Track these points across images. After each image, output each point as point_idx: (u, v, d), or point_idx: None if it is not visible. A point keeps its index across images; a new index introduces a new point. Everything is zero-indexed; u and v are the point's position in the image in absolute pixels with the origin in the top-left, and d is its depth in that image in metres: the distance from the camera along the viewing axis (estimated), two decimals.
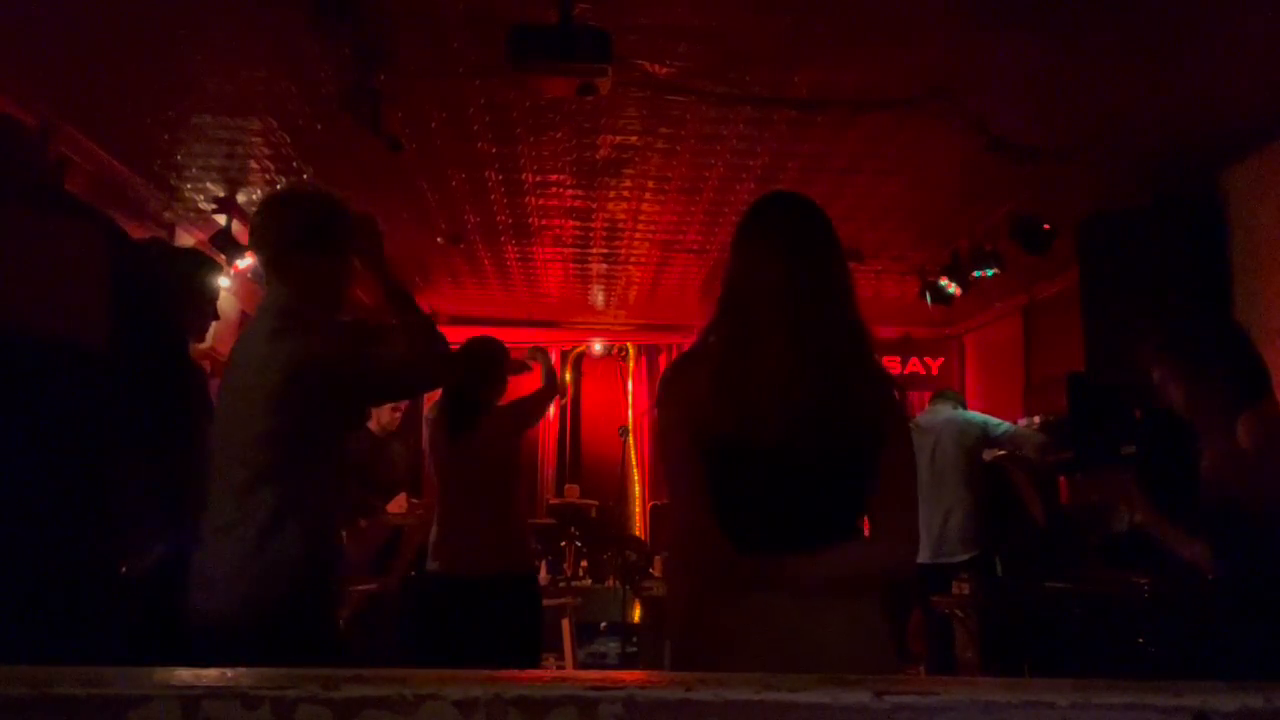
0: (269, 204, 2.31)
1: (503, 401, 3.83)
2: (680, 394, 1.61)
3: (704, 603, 1.57)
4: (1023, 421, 5.76)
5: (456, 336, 8.74)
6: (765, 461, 1.52)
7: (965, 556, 4.86)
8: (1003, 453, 5.30)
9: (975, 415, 5.38)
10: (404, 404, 6.62)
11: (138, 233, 4.86)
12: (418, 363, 2.16)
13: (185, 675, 0.62)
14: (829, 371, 1.53)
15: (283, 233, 2.17)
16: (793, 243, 1.62)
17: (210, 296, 2.95)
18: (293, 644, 1.99)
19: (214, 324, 2.98)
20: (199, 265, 2.99)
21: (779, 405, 1.50)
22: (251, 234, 2.29)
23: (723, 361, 1.57)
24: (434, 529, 3.68)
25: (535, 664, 3.88)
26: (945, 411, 5.26)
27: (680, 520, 1.62)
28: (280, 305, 2.14)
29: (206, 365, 5.36)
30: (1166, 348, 2.75)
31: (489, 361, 3.75)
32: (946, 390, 5.86)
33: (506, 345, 3.88)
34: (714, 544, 1.52)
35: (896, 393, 1.65)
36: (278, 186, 2.35)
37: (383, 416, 5.66)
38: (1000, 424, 5.30)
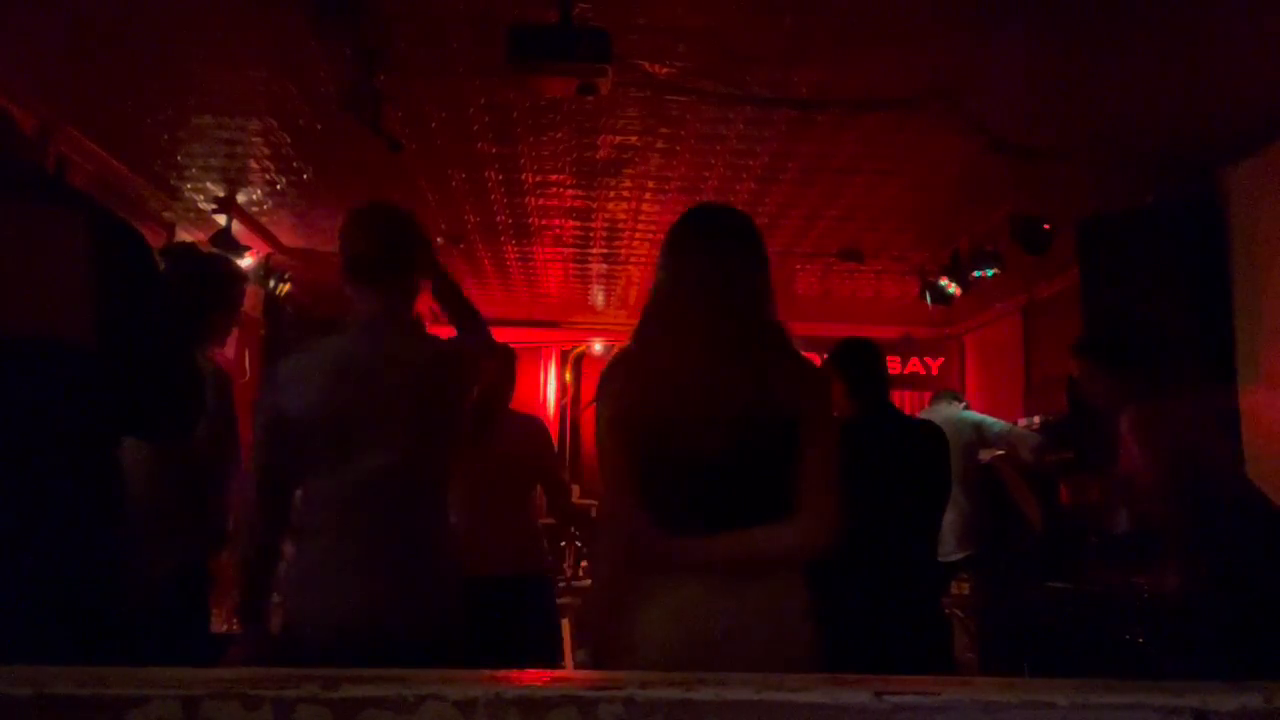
0: (371, 219, 2.31)
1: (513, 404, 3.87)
2: (610, 391, 1.75)
3: (624, 584, 1.70)
4: (1022, 422, 5.75)
5: None
6: (687, 453, 1.65)
7: (960, 555, 4.86)
8: (998, 453, 5.29)
9: (971, 414, 5.35)
10: None
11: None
12: (485, 352, 2.36)
13: (185, 675, 0.62)
14: (742, 366, 1.65)
15: (400, 243, 2.25)
16: (709, 250, 1.77)
17: (237, 303, 2.97)
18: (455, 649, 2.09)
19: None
20: (229, 271, 3.02)
21: (694, 400, 1.64)
22: (354, 243, 2.26)
23: (647, 360, 1.73)
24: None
25: (555, 663, 3.91)
26: (943, 411, 5.25)
27: (605, 507, 1.78)
28: (390, 312, 2.21)
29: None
30: (1084, 349, 3.02)
31: (499, 365, 3.78)
32: (947, 390, 5.85)
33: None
34: (634, 525, 1.66)
35: (817, 384, 1.75)
36: (363, 204, 2.31)
37: None
38: (996, 424, 5.29)
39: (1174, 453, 2.79)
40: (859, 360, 3.31)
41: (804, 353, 1.80)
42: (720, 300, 1.70)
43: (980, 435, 5.15)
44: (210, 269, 2.93)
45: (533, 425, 3.89)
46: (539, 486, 3.88)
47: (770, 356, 1.69)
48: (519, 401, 4.19)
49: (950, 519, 4.92)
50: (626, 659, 1.64)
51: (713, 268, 1.73)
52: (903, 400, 8.35)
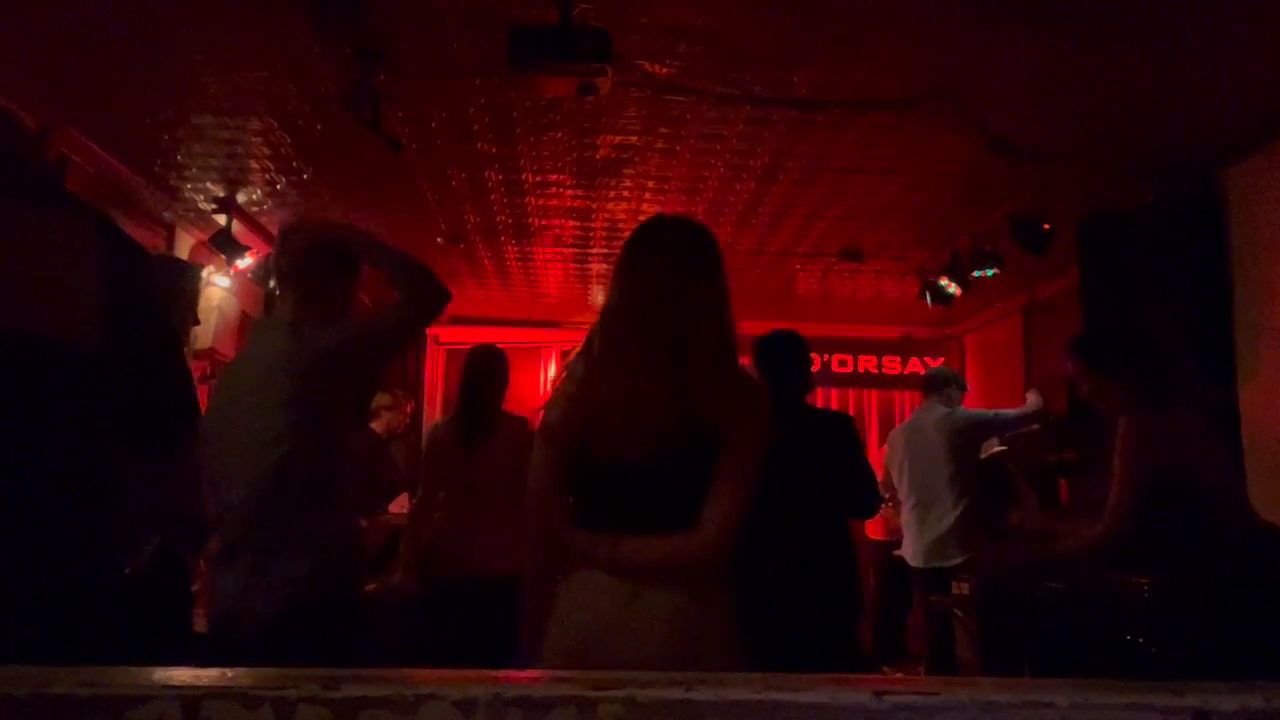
0: (283, 232, 2.50)
1: (506, 405, 3.87)
2: (552, 401, 1.84)
3: (543, 576, 1.82)
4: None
5: (457, 336, 8.63)
6: (607, 461, 1.71)
7: (961, 559, 4.84)
8: (1001, 449, 5.26)
9: (961, 412, 5.28)
10: (410, 405, 6.62)
11: (137, 233, 4.86)
12: (414, 301, 2.35)
13: (185, 675, 0.62)
14: (665, 381, 1.70)
15: (294, 256, 2.36)
16: (650, 265, 1.81)
17: (190, 301, 3.00)
18: (341, 642, 2.11)
19: (211, 325, 3.04)
20: (177, 271, 3.04)
21: (616, 412, 1.71)
22: (274, 260, 2.46)
23: (583, 372, 1.80)
24: (442, 533, 3.72)
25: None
26: (936, 411, 5.20)
27: (531, 505, 1.84)
28: (293, 313, 2.31)
29: (206, 366, 5.36)
30: (1076, 349, 3.01)
31: (493, 369, 3.79)
32: (940, 371, 5.74)
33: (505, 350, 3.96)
34: (555, 521, 1.76)
35: (746, 401, 1.77)
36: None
37: (390, 419, 5.67)
38: (986, 415, 5.25)
39: (1156, 471, 2.78)
40: (761, 351, 3.30)
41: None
42: (654, 316, 1.74)
43: (972, 428, 5.09)
44: (162, 270, 2.96)
45: (521, 427, 3.88)
46: None
47: (700, 377, 1.71)
48: (519, 401, 4.19)
49: (950, 524, 4.91)
50: (548, 645, 1.72)
51: (651, 284, 1.78)
52: (902, 400, 8.36)
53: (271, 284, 2.42)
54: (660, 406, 1.68)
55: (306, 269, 2.35)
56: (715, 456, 1.68)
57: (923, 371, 7.96)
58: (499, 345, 3.98)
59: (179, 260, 4.23)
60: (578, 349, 1.92)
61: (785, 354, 3.31)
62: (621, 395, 1.71)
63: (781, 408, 3.21)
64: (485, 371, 3.78)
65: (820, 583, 3.11)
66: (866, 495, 3.35)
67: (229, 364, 2.51)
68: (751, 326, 3.22)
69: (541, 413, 1.88)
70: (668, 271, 1.79)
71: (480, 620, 3.56)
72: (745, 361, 3.41)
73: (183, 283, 3.00)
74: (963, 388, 5.50)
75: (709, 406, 1.69)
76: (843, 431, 3.33)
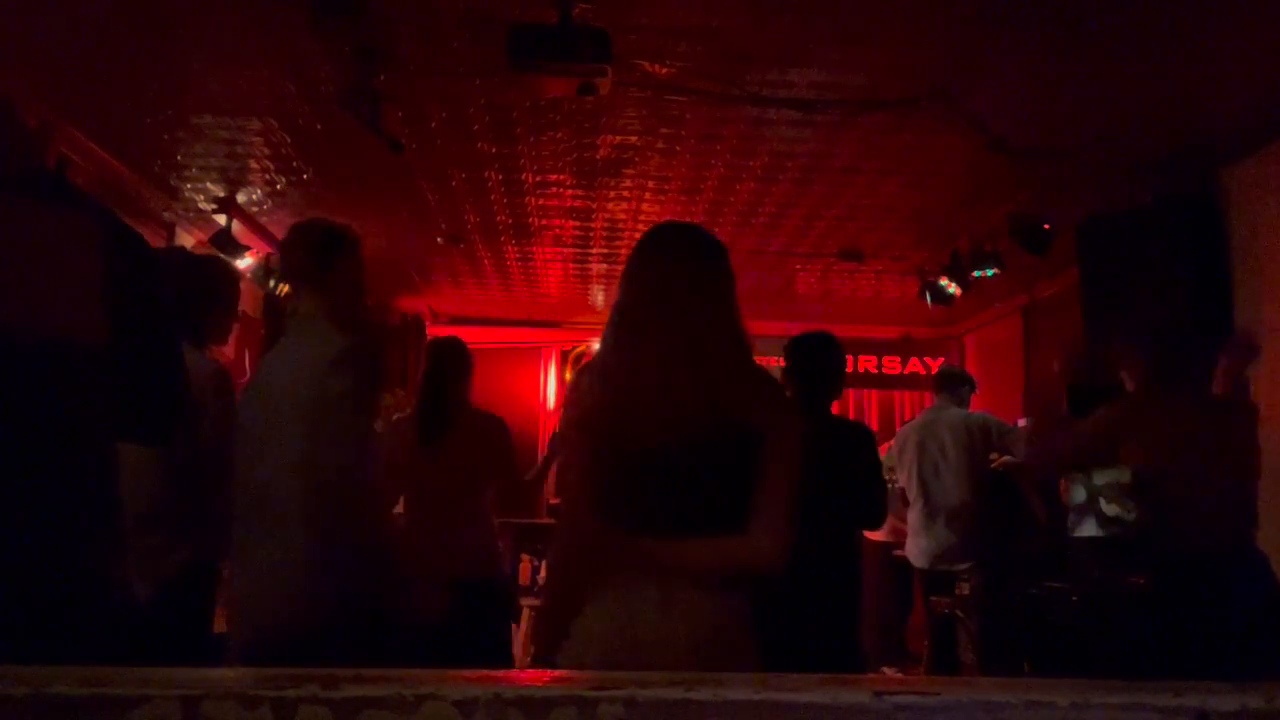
0: (294, 230, 2.66)
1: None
2: (575, 398, 1.82)
3: (571, 581, 1.76)
4: (1022, 422, 5.72)
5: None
6: (637, 456, 1.68)
7: (966, 565, 4.83)
8: (1009, 458, 5.25)
9: (977, 416, 5.28)
10: (411, 405, 6.61)
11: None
12: None
13: (185, 675, 0.62)
14: (691, 373, 1.69)
15: (303, 253, 2.52)
16: (667, 264, 1.82)
17: (234, 302, 3.01)
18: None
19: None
20: (221, 271, 3.05)
21: (644, 404, 1.69)
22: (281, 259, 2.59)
23: (605, 367, 1.78)
24: (404, 536, 3.52)
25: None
26: (950, 411, 5.18)
27: (562, 506, 1.82)
28: (310, 315, 2.40)
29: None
30: (1137, 349, 3.04)
31: (454, 361, 3.68)
32: (953, 369, 5.71)
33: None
34: (586, 523, 1.71)
35: (776, 401, 1.79)
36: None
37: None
38: (1007, 427, 5.23)
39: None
40: (795, 353, 3.26)
41: None
42: (674, 311, 1.74)
43: (989, 438, 5.07)
44: (204, 270, 2.96)
45: (491, 424, 3.72)
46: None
47: (724, 369, 1.72)
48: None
49: (959, 527, 4.88)
50: (564, 652, 1.67)
51: (670, 281, 1.78)
52: (902, 400, 8.36)
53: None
54: (686, 391, 1.67)
55: (318, 266, 2.52)
56: (750, 457, 1.66)
57: (923, 372, 7.98)
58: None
59: (221, 260, 4.20)
60: (584, 357, 1.92)
61: (820, 358, 3.27)
62: (650, 387, 1.69)
63: (809, 412, 3.18)
64: (447, 364, 3.64)
65: (828, 591, 3.10)
66: (880, 509, 3.36)
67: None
68: (751, 327, 3.21)
69: (556, 419, 1.88)
70: (684, 269, 1.80)
71: (449, 627, 3.25)
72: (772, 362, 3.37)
73: (226, 282, 3.01)
74: (973, 387, 5.48)
75: (740, 404, 1.69)
76: (862, 442, 3.31)
